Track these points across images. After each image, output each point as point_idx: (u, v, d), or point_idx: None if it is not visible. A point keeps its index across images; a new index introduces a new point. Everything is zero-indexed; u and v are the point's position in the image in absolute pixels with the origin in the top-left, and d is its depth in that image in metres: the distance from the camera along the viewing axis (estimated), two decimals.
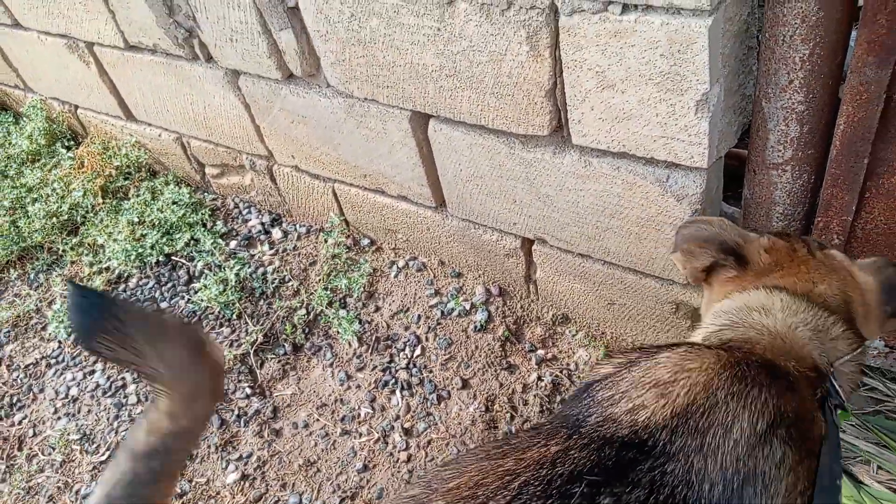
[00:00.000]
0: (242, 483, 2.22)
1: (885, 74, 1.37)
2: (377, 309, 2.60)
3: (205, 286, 2.72)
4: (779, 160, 1.62)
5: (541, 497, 0.94)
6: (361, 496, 2.09)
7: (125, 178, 3.32)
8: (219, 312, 2.70)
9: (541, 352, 2.35)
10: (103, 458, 2.39)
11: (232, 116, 2.73)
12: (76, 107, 3.54)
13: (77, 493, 2.33)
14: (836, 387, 1.16)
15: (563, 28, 1.59)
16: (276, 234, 2.98)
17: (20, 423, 2.60)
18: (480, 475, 1.00)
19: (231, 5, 2.23)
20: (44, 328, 2.89)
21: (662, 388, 1.08)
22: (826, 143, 1.58)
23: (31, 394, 2.68)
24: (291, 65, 2.28)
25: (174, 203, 3.08)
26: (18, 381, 2.73)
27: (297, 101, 2.41)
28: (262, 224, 3.03)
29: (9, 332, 2.91)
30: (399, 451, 2.17)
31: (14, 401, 2.67)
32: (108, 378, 2.63)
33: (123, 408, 2.53)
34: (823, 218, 1.69)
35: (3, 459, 2.49)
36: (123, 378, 2.62)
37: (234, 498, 2.19)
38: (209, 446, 2.34)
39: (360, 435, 2.25)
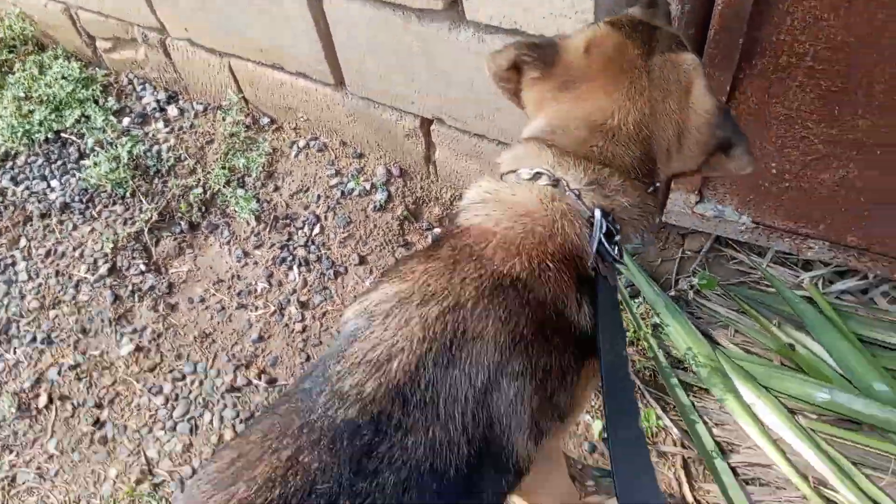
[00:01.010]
0: (137, 354, 2.24)
1: None
2: (276, 188, 2.58)
3: (95, 163, 2.63)
4: None
5: None
6: (256, 364, 2.15)
7: (10, 52, 3.10)
8: (111, 190, 2.63)
9: (437, 230, 2.41)
10: None
11: None
12: None
13: None
14: (608, 246, 1.10)
15: None
16: (172, 111, 2.88)
17: None
18: (240, 490, 0.90)
19: None
20: None
21: (381, 352, 0.99)
22: (706, 23, 1.63)
23: None
24: None
25: (63, 78, 2.92)
26: None
27: None
28: (158, 101, 2.92)
29: None
30: (294, 323, 2.23)
31: None
32: None
33: (13, 284, 2.47)
34: None
35: None
36: (13, 255, 2.54)
37: (128, 368, 2.21)
38: (102, 320, 2.33)
39: (257, 308, 2.29)
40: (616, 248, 1.11)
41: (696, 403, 1.96)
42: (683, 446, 1.92)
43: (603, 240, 1.09)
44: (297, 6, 2.13)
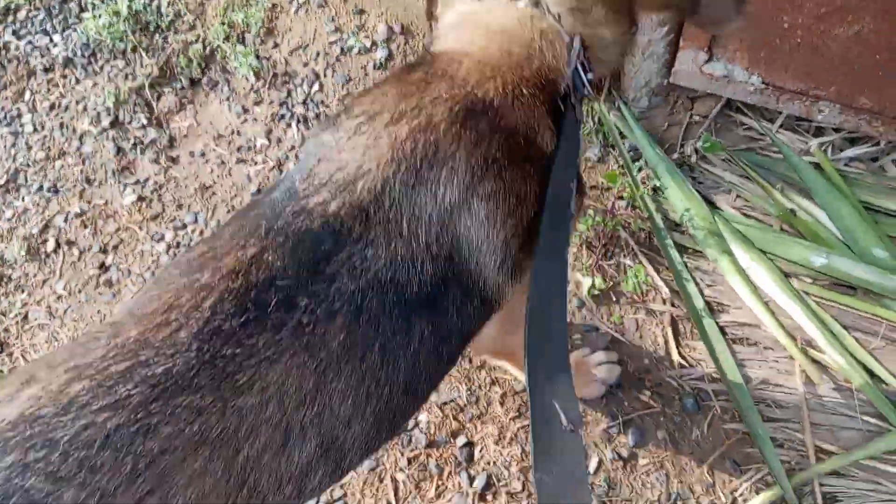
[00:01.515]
0: (139, 204, 2.27)
1: None
2: (276, 45, 2.51)
3: (95, 16, 2.56)
4: None
5: (235, 315, 0.88)
6: None
7: None
8: (112, 46, 2.58)
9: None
10: (1, 181, 2.38)
11: None
12: None
13: None
14: (584, 78, 1.06)
15: None
16: None
17: None
18: (176, 296, 0.90)
19: None
20: None
21: (347, 173, 0.99)
22: None
23: None
24: None
25: None
26: None
27: None
28: None
29: None
30: None
31: None
32: (3, 108, 2.54)
33: (20, 136, 2.48)
34: None
35: None
36: (19, 108, 2.54)
37: (131, 216, 2.24)
38: (106, 171, 2.34)
39: (256, 163, 2.28)
40: (586, 85, 1.08)
41: (688, 264, 1.94)
42: (673, 305, 1.91)
43: (579, 69, 1.05)
44: None
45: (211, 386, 0.84)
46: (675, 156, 2.07)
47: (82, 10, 2.71)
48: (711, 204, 2.00)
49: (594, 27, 1.08)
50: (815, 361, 1.73)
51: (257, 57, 2.49)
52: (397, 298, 0.95)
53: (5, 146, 2.46)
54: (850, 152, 1.96)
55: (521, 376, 1.66)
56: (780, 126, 2.05)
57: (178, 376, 0.83)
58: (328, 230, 0.94)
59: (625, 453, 1.72)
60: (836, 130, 1.99)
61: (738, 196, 2.00)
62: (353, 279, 0.93)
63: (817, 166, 1.95)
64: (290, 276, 0.91)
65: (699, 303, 1.87)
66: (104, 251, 2.20)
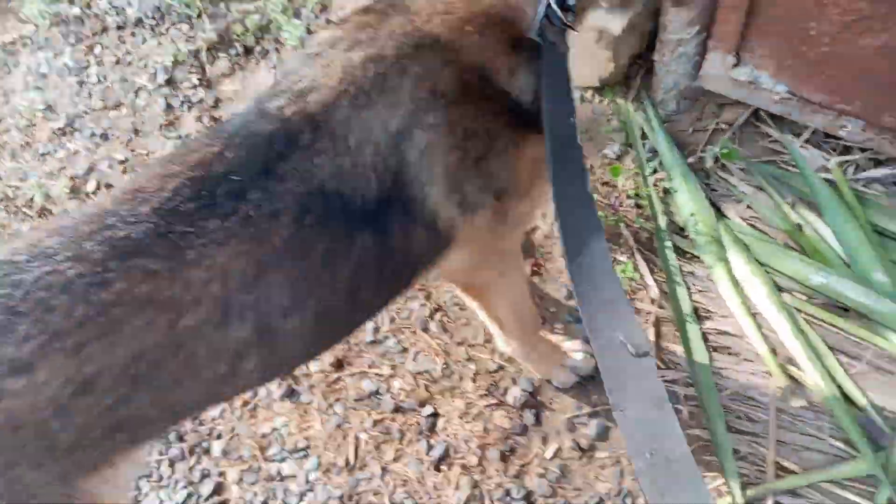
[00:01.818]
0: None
1: None
2: (328, 21, 2.61)
3: None
4: None
5: (192, 199, 0.95)
6: None
7: None
8: (180, 10, 2.75)
9: None
10: (60, 124, 2.59)
11: None
12: None
13: (36, 151, 2.55)
14: (556, 8, 1.06)
15: None
16: None
17: None
18: (148, 179, 0.99)
19: None
20: (22, 9, 2.97)
21: (304, 85, 1.04)
22: None
23: (6, 68, 2.84)
24: None
25: None
26: None
27: None
28: None
29: None
30: None
31: None
32: (75, 59, 2.76)
33: (85, 85, 2.68)
34: None
35: None
36: (88, 60, 2.74)
37: None
38: (153, 124, 2.51)
39: None
40: (571, 13, 1.07)
41: (683, 268, 1.90)
42: (661, 307, 1.88)
43: (552, 2, 1.05)
44: None
45: (163, 255, 0.93)
46: (692, 160, 2.03)
47: None
48: (720, 211, 1.95)
49: None
50: (792, 378, 1.66)
51: (308, 30, 2.60)
52: (341, 208, 1.01)
53: (70, 93, 2.67)
54: (872, 173, 1.87)
55: (489, 322, 1.66)
56: (807, 141, 1.98)
57: (136, 241, 0.92)
58: (282, 133, 1.00)
59: (584, 444, 1.70)
60: (863, 150, 1.90)
61: (748, 207, 1.94)
62: (300, 182, 0.99)
63: (834, 184, 1.87)
64: (244, 170, 0.98)
65: (686, 307, 1.83)
66: None
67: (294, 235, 0.99)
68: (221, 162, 0.99)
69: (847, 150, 1.94)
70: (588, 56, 2.12)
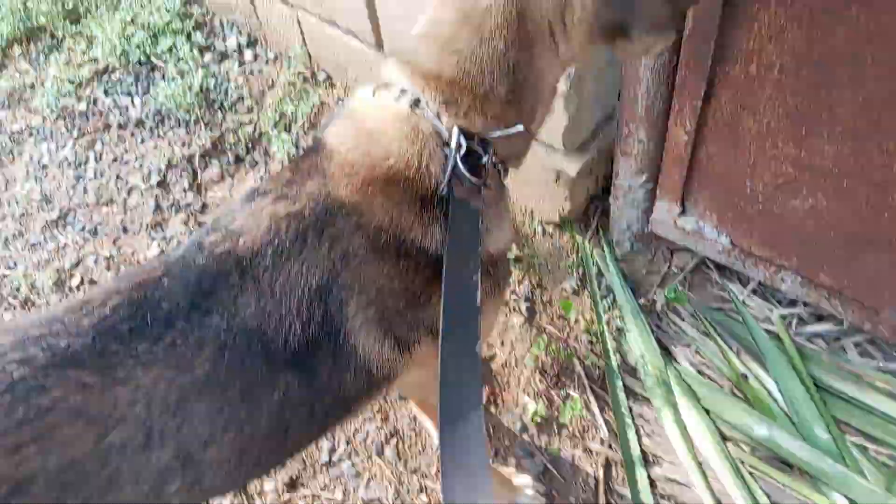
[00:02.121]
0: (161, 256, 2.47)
1: None
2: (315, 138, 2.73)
3: (171, 88, 2.88)
4: None
5: (127, 320, 0.99)
6: None
7: None
8: (179, 115, 2.88)
9: None
10: (54, 216, 2.67)
11: None
12: None
13: (27, 241, 2.62)
14: (462, 169, 1.07)
15: None
16: (248, 55, 3.10)
17: None
18: (97, 293, 1.03)
19: None
20: (33, 101, 3.11)
21: (236, 227, 1.08)
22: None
23: (11, 156, 2.95)
24: None
25: (165, 9, 3.20)
26: (2, 143, 2.99)
27: None
28: (239, 44, 3.14)
29: (4, 101, 3.16)
30: None
31: None
32: (76, 153, 2.87)
33: (81, 179, 2.78)
34: (679, 100, 1.72)
35: None
36: (88, 155, 2.85)
37: None
38: (141, 224, 2.58)
39: None
40: (484, 170, 1.09)
41: (633, 409, 1.92)
42: (611, 447, 1.89)
43: (459, 162, 1.07)
44: None
45: (97, 369, 0.96)
46: (643, 301, 2.09)
47: (164, 79, 3.05)
48: (669, 355, 1.99)
49: (472, 116, 1.09)
50: None
51: (295, 146, 2.72)
52: (262, 348, 1.03)
53: (67, 186, 2.77)
54: (814, 328, 1.92)
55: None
56: (753, 290, 2.04)
57: (74, 353, 0.96)
58: (213, 269, 1.04)
59: None
60: (805, 304, 1.96)
61: (697, 352, 1.98)
62: (223, 319, 1.02)
63: (778, 336, 1.91)
64: (175, 299, 1.02)
65: (636, 450, 1.84)
66: None
67: (215, 368, 1.01)
68: (158, 287, 1.02)
69: (793, 302, 1.99)
70: (548, 193, 2.21)
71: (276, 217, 1.08)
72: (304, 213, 1.07)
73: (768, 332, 1.92)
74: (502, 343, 2.09)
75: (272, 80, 2.96)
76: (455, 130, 1.07)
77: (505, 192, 1.25)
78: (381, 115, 1.11)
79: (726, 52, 1.55)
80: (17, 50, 3.34)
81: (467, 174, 1.07)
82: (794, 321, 1.94)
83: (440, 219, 1.09)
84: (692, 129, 1.74)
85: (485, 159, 1.09)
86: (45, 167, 2.87)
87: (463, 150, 1.07)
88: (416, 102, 1.09)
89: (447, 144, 1.07)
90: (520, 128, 1.11)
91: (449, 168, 1.06)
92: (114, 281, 1.07)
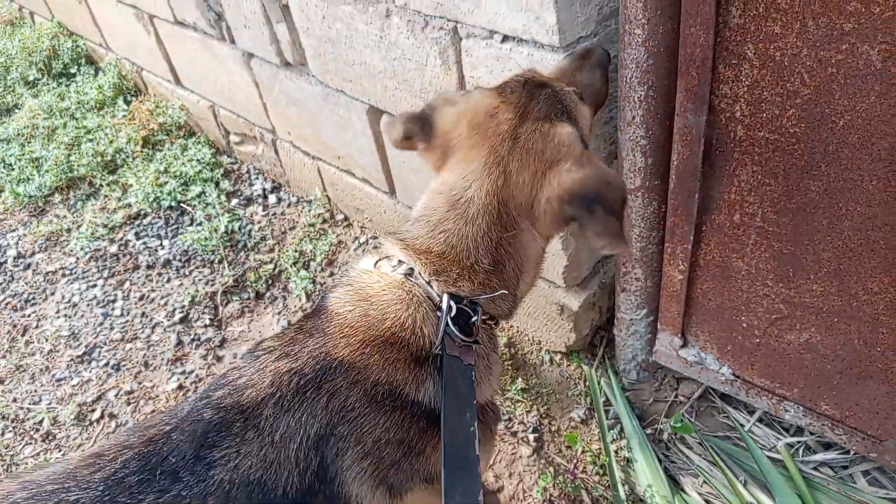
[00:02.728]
0: (178, 391, 2.50)
1: (702, 120, 1.52)
2: (332, 274, 2.84)
3: (196, 230, 3.03)
4: (631, 186, 1.77)
5: (136, 473, 1.04)
6: None
7: (165, 134, 3.69)
8: (204, 255, 3.00)
9: None
10: (80, 353, 2.72)
11: (247, 92, 3.03)
12: (141, 68, 3.95)
13: (53, 376, 2.66)
14: (452, 329, 1.13)
15: (463, 48, 1.79)
16: (272, 199, 3.27)
17: (29, 315, 2.96)
18: (109, 447, 1.09)
19: None
20: (68, 244, 3.25)
21: (242, 381, 1.15)
22: (668, 175, 1.71)
23: (44, 295, 3.05)
24: (286, 53, 2.56)
25: (196, 160, 3.42)
26: (37, 283, 3.10)
27: (291, 84, 2.69)
28: (264, 189, 3.33)
29: (42, 243, 3.30)
30: None
31: (29, 298, 3.04)
32: (105, 292, 2.96)
33: (108, 317, 2.85)
34: (670, 244, 1.82)
35: (9, 341, 2.86)
36: (116, 294, 2.95)
37: (167, 401, 2.47)
38: (162, 359, 2.62)
39: None
40: (474, 328, 1.16)
41: None
42: None
43: (450, 323, 1.14)
44: (362, 124, 2.44)
45: None
46: (650, 431, 2.10)
47: (192, 223, 3.21)
48: (677, 485, 1.98)
49: (459, 283, 1.17)
50: None
51: (313, 281, 2.81)
52: (263, 497, 1.07)
53: (94, 323, 2.84)
54: (822, 456, 1.92)
55: None
56: (759, 419, 2.06)
57: None
58: (218, 421, 1.09)
59: None
60: (812, 432, 1.97)
61: (704, 482, 1.97)
62: (226, 470, 1.06)
63: (785, 465, 1.91)
64: (182, 453, 1.07)
65: None
66: None
67: None
68: (168, 443, 1.08)
69: (800, 430, 2.00)
70: (553, 325, 2.28)
71: (279, 373, 1.14)
72: (304, 370, 1.14)
73: (775, 460, 1.92)
74: (510, 475, 2.08)
75: (294, 222, 3.11)
76: (445, 296, 1.15)
77: (495, 342, 1.32)
78: (379, 282, 1.20)
79: (710, 203, 1.66)
80: (57, 197, 3.53)
81: (458, 334, 1.14)
82: (801, 449, 1.94)
83: (433, 374, 1.15)
84: (685, 269, 1.83)
85: (474, 318, 1.16)
86: (74, 305, 2.96)
87: (453, 312, 1.14)
88: (410, 272, 1.19)
89: (439, 308, 1.16)
90: (503, 292, 1.21)
91: (441, 329, 1.14)
92: (126, 434, 1.12)
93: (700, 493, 1.94)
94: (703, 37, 1.38)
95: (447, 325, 1.13)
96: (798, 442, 1.97)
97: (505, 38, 1.68)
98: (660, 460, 2.01)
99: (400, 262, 1.21)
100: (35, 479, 1.06)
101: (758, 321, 1.79)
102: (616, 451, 2.06)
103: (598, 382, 2.24)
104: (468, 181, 1.18)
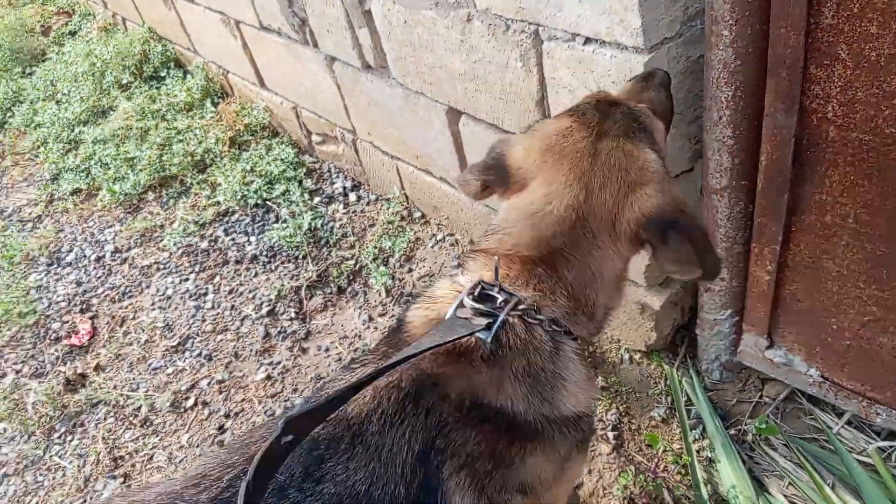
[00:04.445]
0: (266, 381, 2.64)
1: (792, 121, 1.51)
2: (410, 270, 2.93)
3: (281, 227, 3.17)
4: (717, 186, 1.77)
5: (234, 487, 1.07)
6: None
7: (251, 134, 3.87)
8: (289, 251, 3.14)
9: None
10: (174, 343, 2.90)
11: (329, 94, 3.15)
12: (227, 71, 4.14)
13: (150, 365, 2.85)
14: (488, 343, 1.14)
15: (544, 51, 1.83)
16: (352, 197, 3.39)
17: (126, 307, 3.18)
18: (213, 466, 1.12)
19: (328, 3, 2.63)
20: (161, 240, 3.46)
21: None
22: (756, 175, 1.71)
23: (140, 288, 3.26)
24: (368, 56, 2.65)
25: (280, 160, 3.57)
26: (134, 277, 3.32)
27: (372, 87, 2.78)
28: (344, 188, 3.45)
29: (138, 239, 3.53)
30: None
31: (127, 290, 3.26)
32: (196, 286, 3.15)
33: (200, 309, 3.03)
34: (757, 245, 1.81)
35: (108, 332, 3.07)
36: (207, 288, 3.13)
37: (256, 390, 2.61)
38: (251, 350, 2.77)
39: None
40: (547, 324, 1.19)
41: None
42: None
43: (467, 299, 1.16)
44: (441, 125, 2.50)
45: None
46: (734, 431, 2.09)
47: (277, 220, 3.36)
48: (762, 486, 1.97)
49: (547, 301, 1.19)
50: None
51: (392, 277, 2.91)
52: None
53: (187, 315, 3.02)
54: None
55: None
56: (848, 422, 2.02)
57: None
58: (324, 436, 1.13)
59: None
60: None
61: (790, 484, 1.95)
62: (335, 484, 1.09)
63: (876, 469, 1.87)
64: (289, 469, 1.10)
65: None
66: (227, 416, 2.57)
67: None
68: (271, 462, 1.09)
69: (892, 434, 1.96)
70: (634, 324, 2.29)
71: (378, 387, 1.16)
72: (401, 384, 1.16)
73: (865, 464, 1.88)
74: (589, 471, 2.11)
75: (373, 219, 3.22)
76: (510, 296, 1.17)
77: (583, 354, 1.32)
78: (447, 289, 1.24)
79: (800, 203, 1.65)
80: (150, 195, 3.76)
81: (472, 302, 1.16)
82: (894, 454, 1.90)
83: (510, 375, 1.17)
84: (773, 269, 1.81)
85: (541, 317, 1.18)
86: (168, 298, 3.15)
87: (476, 291, 1.17)
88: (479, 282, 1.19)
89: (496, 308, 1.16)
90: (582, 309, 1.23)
91: (455, 303, 1.17)
92: (227, 452, 1.16)
93: (785, 495, 1.93)
94: (794, 38, 1.37)
95: (462, 301, 1.16)
96: (890, 446, 1.93)
97: (587, 41, 1.70)
98: (743, 461, 2.00)
99: (464, 269, 1.25)
100: (144, 499, 1.10)
101: (849, 323, 1.76)
102: (698, 451, 2.06)
103: (680, 382, 2.24)
104: (550, 198, 1.20)
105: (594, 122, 1.23)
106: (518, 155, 1.28)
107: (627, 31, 1.58)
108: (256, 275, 3.13)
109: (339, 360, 2.66)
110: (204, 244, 3.34)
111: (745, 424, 2.10)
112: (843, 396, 1.91)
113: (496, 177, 1.29)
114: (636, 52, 1.61)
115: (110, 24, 5.54)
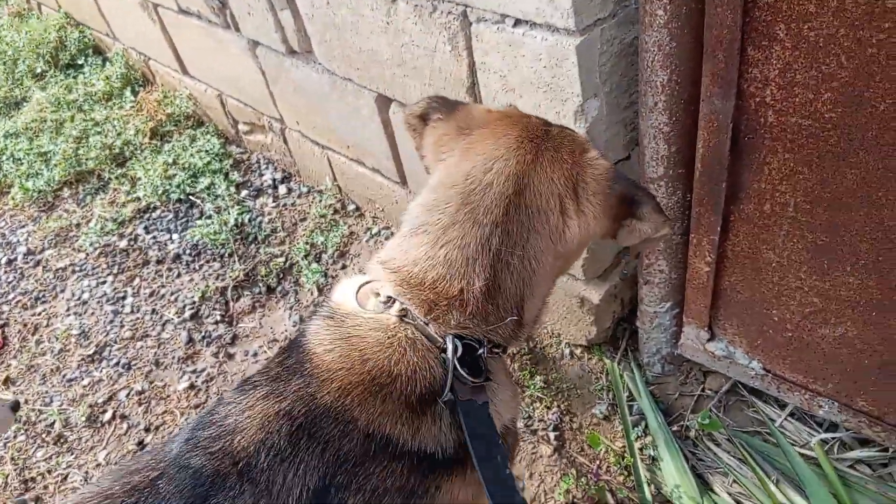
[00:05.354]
0: (189, 391, 2.47)
1: (730, 105, 1.43)
2: (344, 267, 2.79)
3: (205, 224, 2.99)
4: (654, 175, 1.70)
5: None
6: None
7: (174, 125, 3.65)
8: (214, 249, 2.97)
9: None
10: (90, 352, 2.70)
11: (254, 80, 2.98)
12: (148, 58, 3.90)
13: (64, 377, 2.65)
14: (461, 371, 1.05)
15: (473, 34, 1.72)
16: (282, 190, 3.22)
17: (39, 314, 2.96)
18: (91, 497, 1.02)
19: None
20: (77, 240, 3.24)
21: (230, 423, 1.06)
22: (693, 164, 1.63)
23: (54, 292, 3.04)
24: (292, 41, 2.49)
25: (205, 151, 3.38)
26: (48, 280, 3.09)
27: (298, 72, 2.62)
28: (274, 180, 3.28)
29: (52, 240, 3.29)
30: None
31: (40, 295, 3.03)
32: (115, 288, 2.94)
33: (118, 314, 2.84)
34: (696, 235, 1.74)
35: (20, 341, 2.85)
36: (126, 290, 2.93)
37: (178, 402, 2.45)
38: (173, 357, 2.60)
39: None
40: (482, 361, 1.08)
41: None
42: None
43: (457, 365, 1.05)
44: (370, 111, 2.37)
45: None
46: (676, 427, 2.03)
47: (202, 216, 3.17)
48: (706, 484, 1.92)
49: (464, 322, 1.08)
50: None
51: (325, 275, 2.77)
52: None
53: (104, 321, 2.82)
54: (858, 454, 1.84)
55: None
56: (791, 414, 1.98)
57: None
58: (209, 471, 1.01)
59: None
60: (848, 428, 1.89)
61: (734, 481, 1.90)
62: None
63: (819, 463, 1.84)
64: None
65: None
66: (147, 430, 2.39)
67: None
68: (153, 492, 1.00)
69: (834, 425, 1.93)
70: (573, 318, 2.21)
71: (268, 415, 1.05)
72: (293, 414, 1.04)
73: (808, 457, 1.85)
74: (531, 475, 2.03)
75: (305, 213, 3.07)
76: (449, 338, 1.06)
77: (505, 366, 1.24)
78: (365, 326, 1.10)
79: (739, 192, 1.58)
80: (66, 192, 3.51)
81: (467, 376, 1.05)
82: (836, 446, 1.87)
83: (437, 419, 1.07)
84: (712, 261, 1.75)
85: (480, 351, 1.08)
86: (85, 303, 2.94)
87: (459, 353, 1.05)
88: (403, 315, 1.08)
89: (442, 350, 1.06)
90: (512, 318, 1.11)
91: (450, 374, 1.05)
92: (110, 479, 1.04)
93: (730, 493, 1.88)
94: (731, 17, 1.29)
95: (455, 368, 1.04)
96: (832, 438, 1.90)
97: (518, 23, 1.60)
98: (687, 458, 1.94)
99: (389, 298, 1.10)
100: None
101: (790, 315, 1.71)
102: (641, 450, 2.00)
103: (621, 376, 2.17)
104: (491, 158, 1.14)
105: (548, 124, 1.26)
106: (480, 108, 1.29)
107: (558, 11, 1.48)
108: (179, 275, 2.94)
109: None
110: (123, 243, 3.13)
111: (688, 420, 2.05)
112: (785, 389, 1.87)
113: (443, 105, 1.29)
114: (568, 34, 1.51)
115: (24, 10, 5.20)
